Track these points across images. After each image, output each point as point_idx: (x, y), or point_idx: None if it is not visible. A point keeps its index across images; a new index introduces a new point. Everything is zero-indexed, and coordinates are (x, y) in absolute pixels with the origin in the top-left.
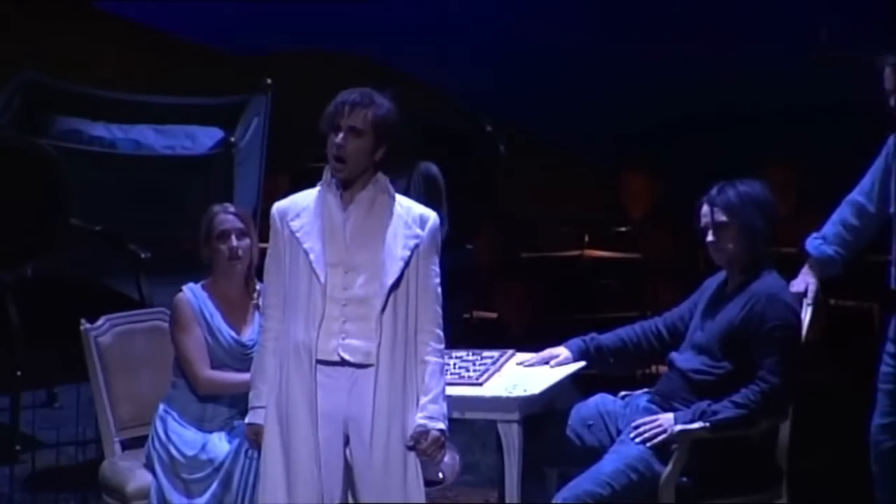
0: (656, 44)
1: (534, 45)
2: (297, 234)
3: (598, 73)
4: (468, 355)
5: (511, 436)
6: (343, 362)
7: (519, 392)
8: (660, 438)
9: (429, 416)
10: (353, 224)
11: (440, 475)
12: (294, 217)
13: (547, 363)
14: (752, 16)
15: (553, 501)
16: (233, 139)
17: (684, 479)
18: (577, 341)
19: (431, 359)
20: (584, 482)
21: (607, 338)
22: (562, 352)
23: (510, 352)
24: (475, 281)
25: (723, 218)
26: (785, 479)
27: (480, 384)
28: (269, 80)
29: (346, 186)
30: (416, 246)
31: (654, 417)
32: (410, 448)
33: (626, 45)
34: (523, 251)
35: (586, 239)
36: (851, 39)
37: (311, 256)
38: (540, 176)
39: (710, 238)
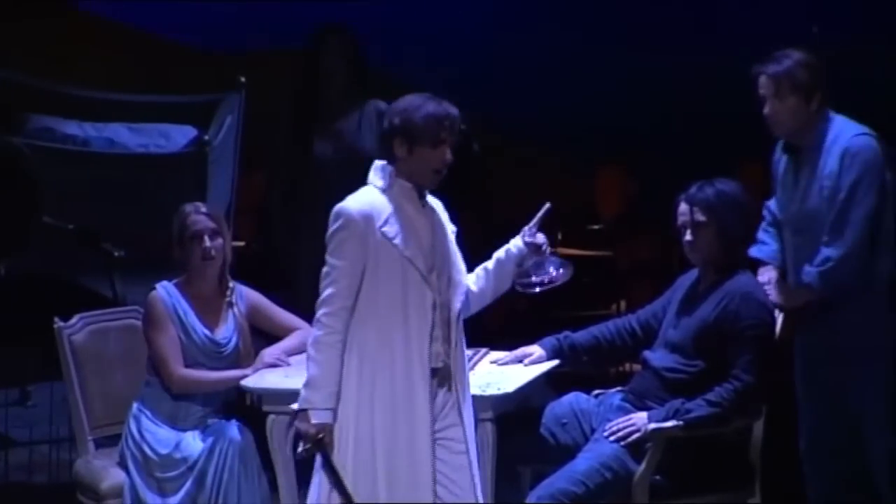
0: (632, 42)
1: (508, 43)
2: (395, 241)
3: (573, 73)
4: None
5: (485, 434)
6: (444, 367)
7: (493, 391)
8: (634, 437)
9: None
10: (433, 229)
11: (560, 270)
12: (383, 223)
13: (521, 361)
14: (727, 14)
15: (527, 500)
16: (206, 137)
17: (658, 477)
18: (550, 339)
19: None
20: (558, 481)
21: (581, 336)
22: (535, 350)
23: (484, 350)
24: None
25: (701, 217)
26: (758, 478)
27: None
28: (242, 79)
29: (422, 193)
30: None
31: (627, 416)
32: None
33: (602, 43)
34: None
35: (559, 237)
36: (832, 37)
37: (418, 264)
38: (514, 174)
39: (687, 237)
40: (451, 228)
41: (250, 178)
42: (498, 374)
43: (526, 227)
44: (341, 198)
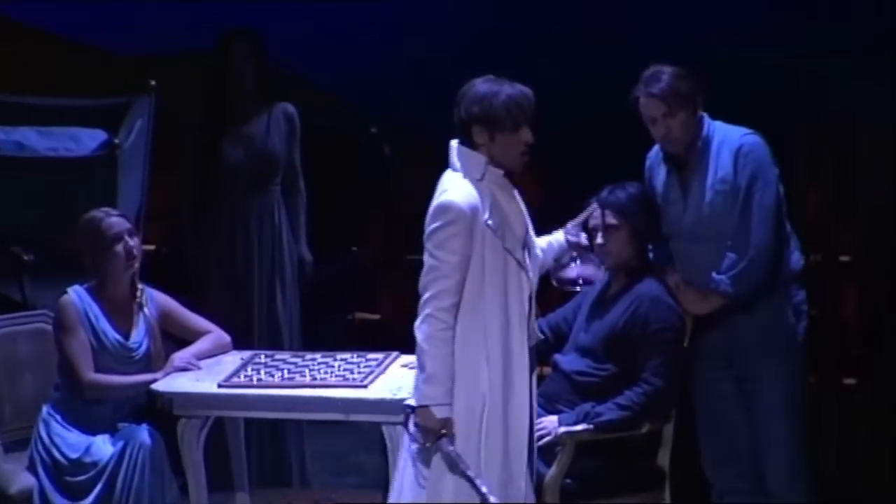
0: (544, 43)
1: (419, 45)
2: (498, 234)
3: (488, 73)
4: (353, 357)
5: (396, 437)
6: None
7: (403, 394)
8: (544, 440)
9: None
10: (521, 213)
11: (599, 270)
12: (489, 216)
13: None
14: (640, 15)
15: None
16: (117, 141)
17: (568, 480)
18: None
19: None
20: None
21: None
22: None
23: (394, 354)
24: (359, 283)
25: (613, 221)
26: (668, 481)
27: (365, 386)
28: (153, 82)
29: (510, 177)
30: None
31: (538, 420)
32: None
33: (514, 44)
34: (408, 253)
35: None
36: (741, 39)
37: (517, 256)
38: (427, 178)
39: (599, 240)
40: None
41: (160, 182)
42: (409, 377)
43: (569, 225)
44: (250, 200)
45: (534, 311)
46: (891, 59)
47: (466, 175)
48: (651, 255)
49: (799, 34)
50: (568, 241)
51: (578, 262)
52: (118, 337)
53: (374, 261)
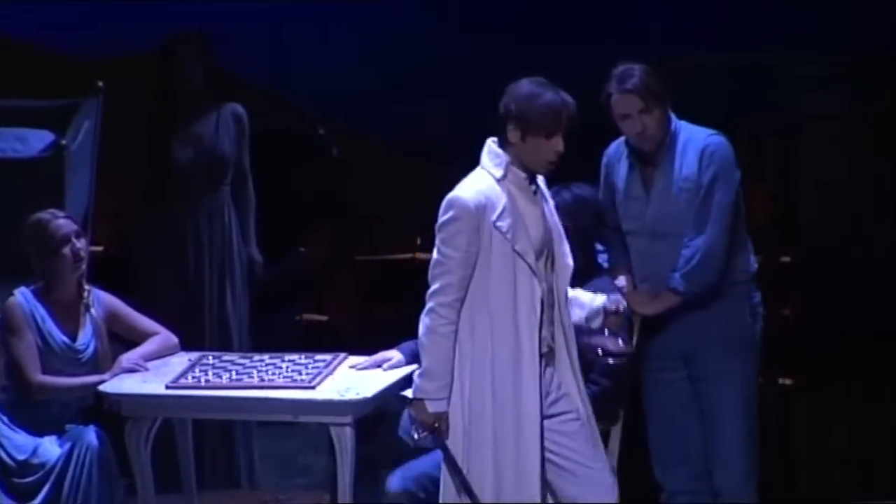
0: (498, 43)
1: (369, 45)
2: (508, 236)
3: (435, 76)
4: (300, 358)
5: (344, 439)
6: (549, 350)
7: (352, 395)
8: None
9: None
10: (544, 216)
11: (627, 342)
12: (499, 217)
13: (379, 366)
14: (591, 17)
15: (392, 483)
16: (64, 142)
17: None
18: (409, 344)
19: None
20: (423, 465)
21: None
22: (394, 355)
23: (343, 355)
24: (307, 284)
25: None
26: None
27: (313, 387)
28: (100, 83)
29: (532, 181)
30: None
31: None
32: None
33: (465, 45)
34: (356, 254)
35: (419, 241)
36: (687, 42)
37: (529, 260)
38: (377, 179)
39: None
40: (553, 207)
41: (108, 183)
42: (357, 378)
43: (614, 295)
44: (200, 201)
45: (559, 314)
46: (835, 63)
47: (484, 166)
48: (605, 255)
49: (743, 38)
50: (606, 306)
51: (606, 331)
52: (65, 339)
53: (323, 262)
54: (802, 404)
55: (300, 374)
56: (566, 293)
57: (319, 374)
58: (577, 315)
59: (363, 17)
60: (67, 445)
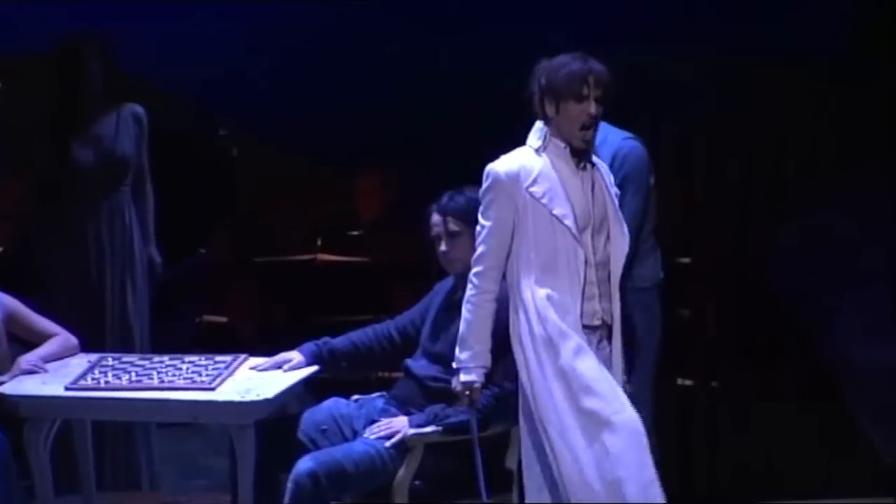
0: (402, 44)
1: (266, 46)
2: (543, 201)
3: (334, 75)
4: (201, 360)
5: (244, 440)
6: (603, 324)
7: (252, 397)
8: (395, 439)
9: None
10: (591, 189)
11: None
12: (532, 183)
13: (280, 367)
14: (497, 13)
15: (302, 462)
16: None
17: (418, 482)
18: (309, 345)
19: None
20: (336, 453)
21: (340, 342)
22: (295, 356)
23: (243, 356)
24: (207, 285)
25: (455, 227)
26: (516, 483)
27: (213, 389)
28: None
29: (576, 152)
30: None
31: (388, 420)
32: None
33: (365, 47)
34: (257, 255)
35: (319, 243)
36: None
37: (567, 223)
38: (278, 180)
39: (442, 248)
40: (614, 191)
41: (7, 184)
42: (257, 379)
43: None
44: (100, 201)
45: (616, 294)
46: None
47: (529, 145)
48: None
49: (655, 36)
50: None
51: None
52: None
53: (222, 263)
54: (701, 405)
55: (200, 375)
56: (619, 274)
57: (220, 375)
58: None
59: (263, 15)
60: None
